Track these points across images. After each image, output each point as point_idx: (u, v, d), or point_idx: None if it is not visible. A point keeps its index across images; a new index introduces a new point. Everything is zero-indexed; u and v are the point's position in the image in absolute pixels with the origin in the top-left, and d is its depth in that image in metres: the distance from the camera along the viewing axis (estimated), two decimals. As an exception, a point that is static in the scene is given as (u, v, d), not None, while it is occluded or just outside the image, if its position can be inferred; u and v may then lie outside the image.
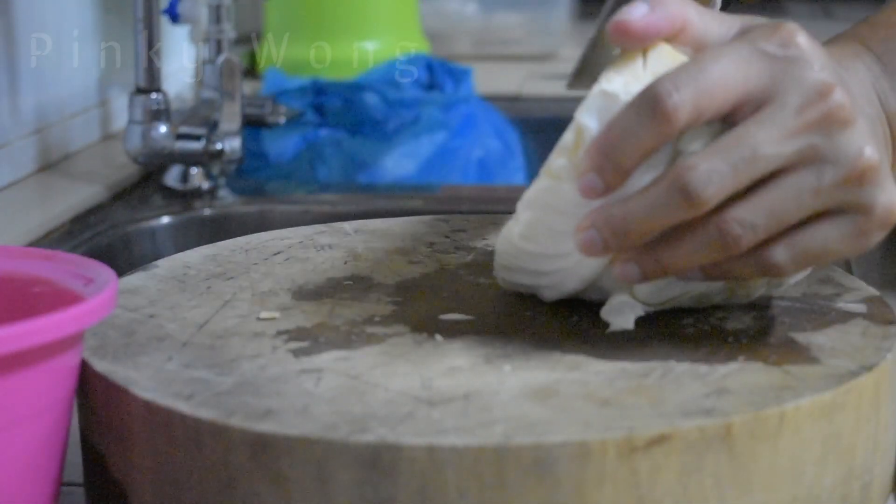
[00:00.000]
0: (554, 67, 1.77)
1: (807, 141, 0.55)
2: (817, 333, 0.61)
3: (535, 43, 1.91)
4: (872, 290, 0.67)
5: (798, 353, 0.58)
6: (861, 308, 0.64)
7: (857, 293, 0.66)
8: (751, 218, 0.55)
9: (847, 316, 0.63)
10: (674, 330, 0.62)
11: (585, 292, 0.63)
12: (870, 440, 0.57)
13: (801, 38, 0.57)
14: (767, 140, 0.55)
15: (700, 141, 0.56)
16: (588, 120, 0.57)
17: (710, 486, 0.52)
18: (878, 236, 0.58)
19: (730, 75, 0.55)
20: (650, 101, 0.55)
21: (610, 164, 0.56)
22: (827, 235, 0.57)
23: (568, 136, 0.58)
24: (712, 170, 0.54)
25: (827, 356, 0.58)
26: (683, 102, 0.54)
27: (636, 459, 0.51)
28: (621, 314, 0.62)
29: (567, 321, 0.63)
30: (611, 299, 0.62)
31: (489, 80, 1.63)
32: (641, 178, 0.57)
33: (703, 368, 0.57)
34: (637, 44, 0.59)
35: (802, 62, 0.56)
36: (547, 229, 0.60)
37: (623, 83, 0.57)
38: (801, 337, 0.60)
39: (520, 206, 0.60)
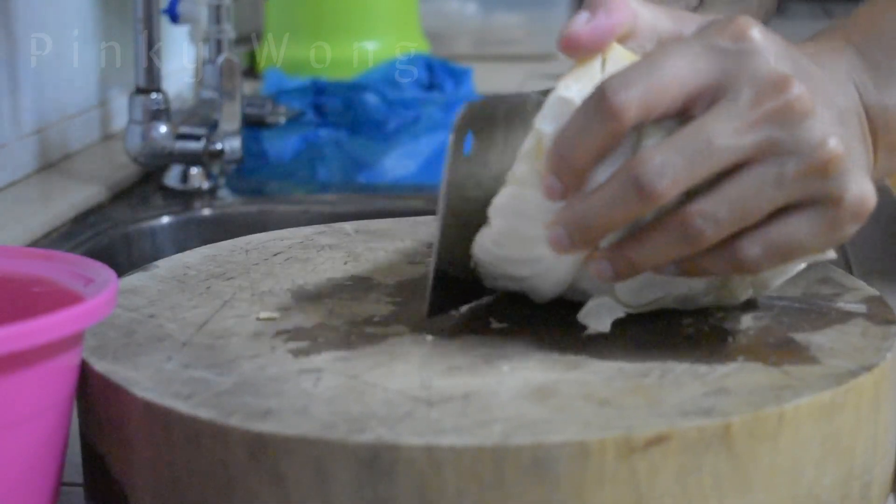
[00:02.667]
0: (554, 67, 1.77)
1: (765, 133, 0.55)
2: (817, 333, 0.61)
3: (535, 43, 1.91)
4: (872, 290, 0.67)
5: (797, 353, 0.58)
6: (861, 308, 0.64)
7: (856, 293, 0.66)
8: (713, 211, 0.55)
9: (847, 316, 0.63)
10: (673, 330, 0.62)
11: (567, 295, 0.63)
12: (869, 440, 0.57)
13: (754, 32, 0.56)
14: (723, 132, 0.54)
15: (659, 138, 0.56)
16: (546, 126, 0.57)
17: (710, 486, 0.52)
18: (851, 228, 0.57)
19: (680, 71, 0.55)
20: (598, 101, 0.55)
21: (565, 165, 0.56)
22: (796, 228, 0.56)
23: (528, 143, 0.58)
24: (666, 162, 0.54)
25: (826, 356, 0.58)
26: (631, 99, 0.54)
27: (635, 459, 0.51)
28: (598, 317, 0.61)
29: (567, 321, 0.63)
30: (589, 302, 0.62)
31: (489, 80, 1.63)
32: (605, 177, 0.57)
33: (702, 368, 0.57)
34: (590, 51, 0.59)
35: (756, 55, 0.56)
36: (517, 235, 0.60)
37: (579, 89, 0.57)
38: (800, 337, 0.60)
39: (490, 212, 0.60)
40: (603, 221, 0.56)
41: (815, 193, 0.56)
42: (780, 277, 0.62)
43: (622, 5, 0.59)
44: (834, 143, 0.55)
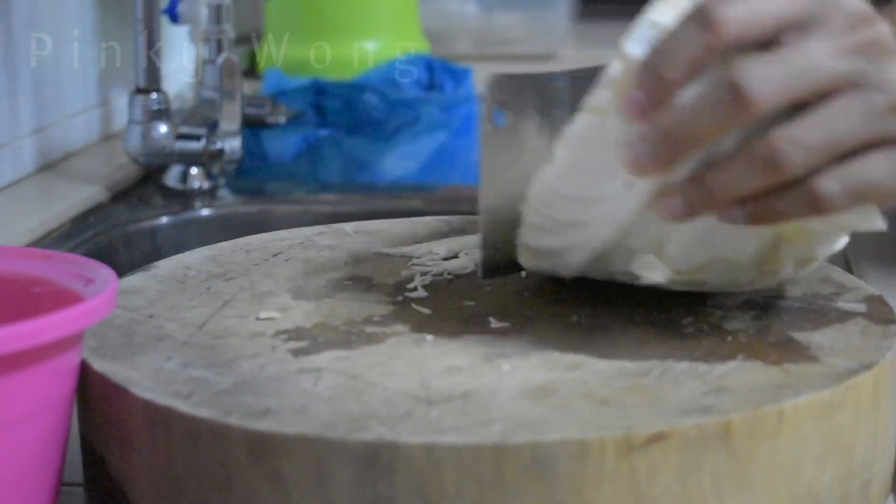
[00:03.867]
0: (554, 67, 1.76)
1: (856, 63, 0.54)
2: (817, 332, 0.61)
3: (535, 43, 1.91)
4: (872, 290, 0.67)
5: (797, 352, 0.58)
6: (861, 307, 0.64)
7: (856, 292, 0.66)
8: (802, 137, 0.54)
9: (846, 315, 0.63)
10: (673, 329, 0.62)
11: (596, 269, 0.62)
12: (869, 439, 0.57)
13: None
14: (821, 54, 0.54)
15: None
16: (635, 49, 0.55)
17: (709, 485, 0.52)
18: None
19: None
20: (699, 13, 0.53)
21: (655, 77, 0.54)
22: (876, 167, 0.55)
23: (614, 68, 0.55)
24: (768, 72, 0.53)
25: (826, 355, 0.58)
26: (733, 15, 0.53)
27: (635, 458, 0.51)
28: (652, 270, 0.60)
29: (566, 321, 0.63)
30: (641, 256, 0.60)
31: (489, 79, 1.63)
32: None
33: (701, 367, 0.57)
34: None
35: None
36: (587, 167, 0.57)
37: (673, 16, 0.55)
38: (800, 336, 0.60)
39: (557, 147, 0.57)
40: (692, 132, 0.54)
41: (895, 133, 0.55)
42: (826, 249, 0.61)
43: None
44: None
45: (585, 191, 0.58)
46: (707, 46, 0.53)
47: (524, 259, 0.64)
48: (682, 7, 0.56)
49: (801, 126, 0.54)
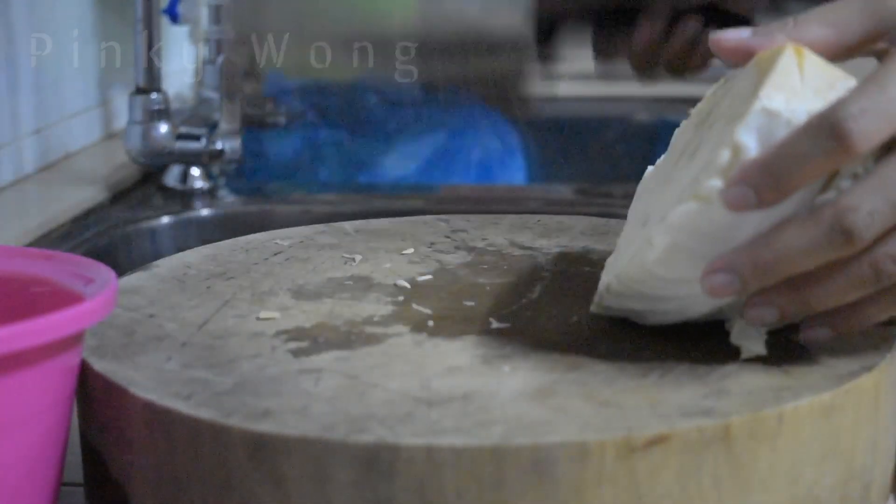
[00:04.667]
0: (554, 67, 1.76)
1: None
2: (816, 334, 0.61)
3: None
4: (872, 291, 0.67)
5: (797, 354, 0.58)
6: (860, 308, 0.64)
7: (856, 294, 0.66)
8: (880, 218, 0.52)
9: (846, 316, 0.63)
10: (673, 330, 0.62)
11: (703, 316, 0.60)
12: (869, 441, 0.57)
13: None
14: None
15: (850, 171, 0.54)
16: (748, 139, 0.53)
17: (709, 487, 0.52)
18: None
19: None
20: (832, 126, 0.51)
21: (772, 181, 0.52)
22: None
23: (724, 156, 0.53)
24: (875, 210, 0.52)
25: (826, 356, 0.58)
26: (864, 130, 0.51)
27: (635, 460, 0.51)
28: (750, 338, 0.58)
29: (566, 321, 0.63)
30: (736, 323, 0.59)
31: (489, 80, 1.63)
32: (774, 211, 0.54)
33: (702, 369, 0.57)
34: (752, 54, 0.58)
35: None
36: (688, 254, 0.55)
37: (784, 100, 0.54)
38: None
39: (657, 231, 0.56)
40: (793, 267, 0.53)
41: None
42: None
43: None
44: None
45: (684, 274, 0.57)
46: (834, 161, 0.52)
47: (598, 310, 0.63)
48: (792, 90, 0.54)
49: None
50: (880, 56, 0.59)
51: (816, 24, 0.58)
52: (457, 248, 0.75)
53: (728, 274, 0.54)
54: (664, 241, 0.55)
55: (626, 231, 0.65)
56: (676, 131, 0.66)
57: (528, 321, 0.63)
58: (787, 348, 0.59)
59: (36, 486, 0.54)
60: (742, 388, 0.55)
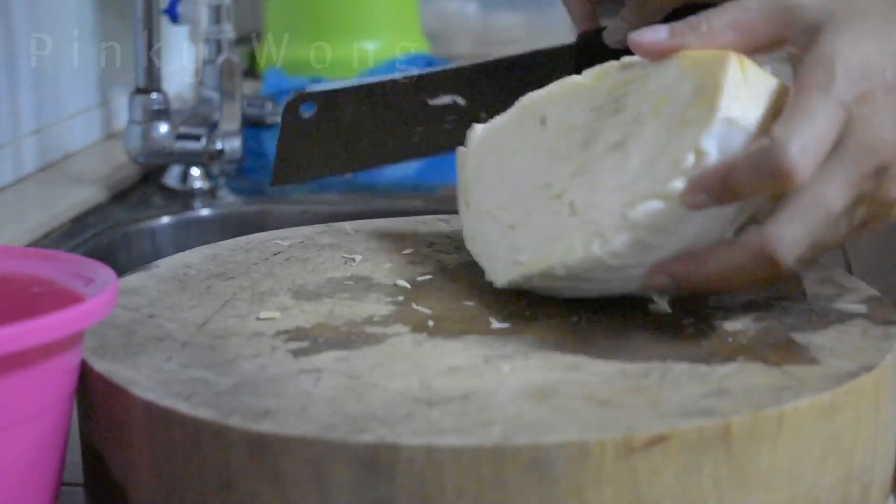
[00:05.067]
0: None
1: (860, 190, 0.59)
2: (817, 334, 0.61)
3: (534, 43, 1.91)
4: (872, 291, 0.67)
5: (797, 354, 0.58)
6: (861, 308, 0.64)
7: (856, 293, 0.66)
8: (799, 245, 0.58)
9: (846, 316, 0.63)
10: (673, 330, 0.62)
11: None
12: (869, 441, 0.57)
13: (877, 92, 0.59)
14: (835, 197, 0.58)
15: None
16: (709, 146, 0.58)
17: (709, 487, 0.52)
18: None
19: (828, 128, 0.58)
20: (777, 161, 0.56)
21: (726, 193, 0.57)
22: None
23: (688, 160, 0.58)
24: (796, 238, 0.57)
25: (826, 356, 0.58)
26: (808, 165, 0.57)
27: (635, 460, 0.51)
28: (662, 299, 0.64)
29: (566, 321, 0.63)
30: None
31: (489, 80, 1.63)
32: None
33: (702, 369, 0.57)
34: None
35: (868, 119, 0.59)
36: (642, 246, 0.59)
37: (739, 109, 0.59)
38: (800, 337, 0.60)
39: (610, 225, 0.60)
40: (721, 284, 0.59)
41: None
42: None
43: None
44: None
45: (629, 261, 0.60)
46: (779, 190, 0.57)
47: (507, 283, 0.65)
48: (748, 97, 0.59)
49: (796, 233, 0.58)
50: (793, 60, 0.63)
51: (727, 29, 0.63)
52: (457, 248, 0.75)
53: (669, 278, 0.60)
54: (624, 236, 0.59)
55: (507, 197, 0.68)
56: (528, 99, 0.70)
57: (528, 321, 0.63)
58: (787, 348, 0.59)
59: (36, 486, 0.54)
60: (742, 388, 0.55)
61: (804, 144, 0.57)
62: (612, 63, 0.66)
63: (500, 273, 0.66)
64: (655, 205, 0.58)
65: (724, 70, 0.60)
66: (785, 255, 0.57)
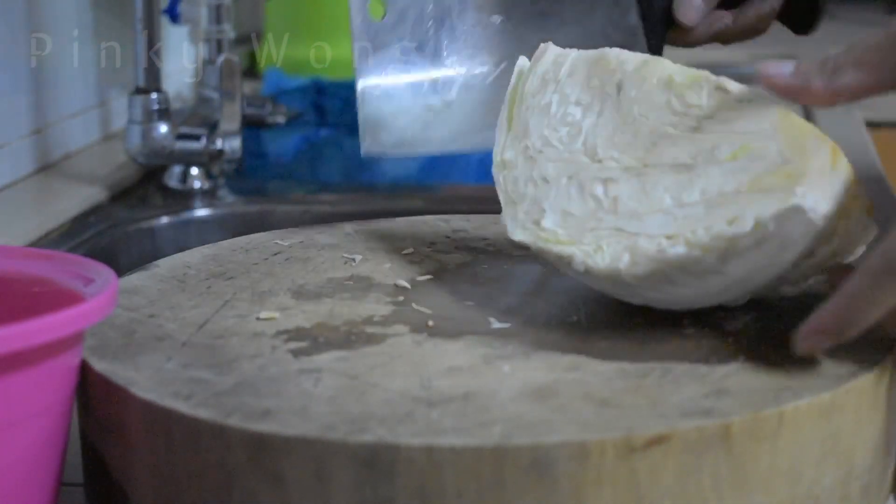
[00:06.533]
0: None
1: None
2: (816, 334, 0.61)
3: (535, 43, 1.91)
4: (872, 291, 0.66)
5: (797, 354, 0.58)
6: (860, 308, 0.64)
7: (856, 294, 0.66)
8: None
9: (846, 316, 0.63)
10: (673, 330, 0.62)
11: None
12: (869, 441, 0.57)
13: None
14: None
15: None
16: (772, 223, 0.57)
17: (709, 487, 0.52)
18: None
19: None
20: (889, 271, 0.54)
21: (850, 329, 0.56)
22: None
23: (745, 225, 0.58)
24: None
25: (826, 357, 0.58)
26: None
27: (635, 460, 0.51)
28: None
29: (567, 322, 0.63)
30: None
31: (489, 80, 1.63)
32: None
33: (702, 369, 0.57)
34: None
35: None
36: (665, 281, 0.60)
37: (813, 201, 0.57)
38: (800, 337, 0.60)
39: (645, 254, 0.60)
40: (877, 312, 0.56)
41: None
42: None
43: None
44: None
45: (649, 287, 0.61)
46: None
47: (523, 229, 0.64)
48: (822, 188, 0.58)
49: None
50: None
51: (853, 69, 0.60)
52: (457, 248, 0.75)
53: (821, 336, 0.57)
54: (653, 266, 0.59)
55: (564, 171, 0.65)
56: (613, 55, 0.66)
57: (528, 321, 0.63)
58: (786, 348, 0.59)
59: (36, 485, 0.54)
60: (742, 388, 0.55)
61: None
62: (708, 74, 0.64)
63: (518, 224, 0.64)
64: (695, 253, 0.59)
65: (816, 156, 0.59)
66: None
